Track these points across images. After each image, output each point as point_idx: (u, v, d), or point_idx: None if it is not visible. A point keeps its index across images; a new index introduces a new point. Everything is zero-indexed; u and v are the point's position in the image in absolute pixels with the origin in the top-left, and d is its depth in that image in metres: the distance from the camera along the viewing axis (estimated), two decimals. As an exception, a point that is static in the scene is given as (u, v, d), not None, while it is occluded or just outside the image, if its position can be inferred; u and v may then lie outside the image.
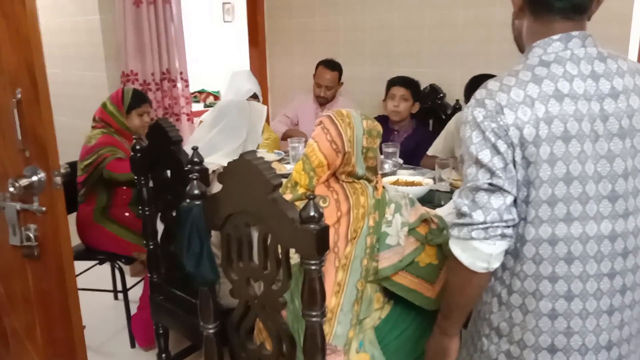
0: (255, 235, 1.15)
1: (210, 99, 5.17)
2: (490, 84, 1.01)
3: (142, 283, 2.48)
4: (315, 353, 1.11)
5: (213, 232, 1.23)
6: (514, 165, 0.98)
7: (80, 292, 1.28)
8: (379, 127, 1.42)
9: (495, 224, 0.97)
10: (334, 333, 1.32)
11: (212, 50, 5.25)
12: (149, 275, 1.88)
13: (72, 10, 3.08)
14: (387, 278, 1.36)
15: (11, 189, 1.15)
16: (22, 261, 1.27)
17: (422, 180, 2.05)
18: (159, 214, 1.78)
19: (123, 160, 2.22)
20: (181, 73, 3.21)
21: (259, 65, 3.76)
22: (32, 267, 1.28)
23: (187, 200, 1.20)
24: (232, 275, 1.21)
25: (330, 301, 1.31)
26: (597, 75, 0.98)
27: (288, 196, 1.34)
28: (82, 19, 3.03)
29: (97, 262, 2.45)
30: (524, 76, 0.99)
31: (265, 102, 3.66)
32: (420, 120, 2.88)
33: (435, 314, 1.35)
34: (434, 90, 2.91)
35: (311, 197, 1.02)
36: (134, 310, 2.34)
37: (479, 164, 0.98)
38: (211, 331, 1.29)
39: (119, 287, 2.51)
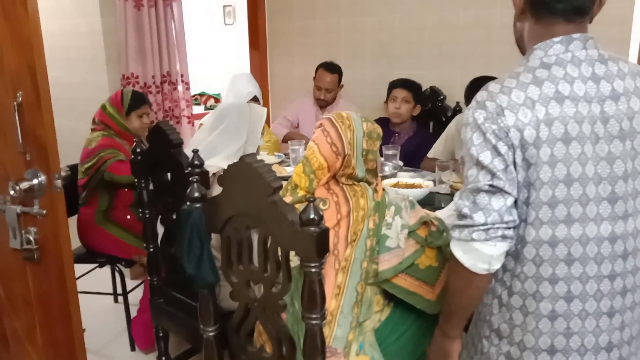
0: (255, 237, 1.15)
1: (211, 102, 5.17)
2: (491, 86, 1.02)
3: (142, 286, 2.48)
4: (315, 355, 1.10)
5: (213, 235, 1.23)
6: (515, 167, 0.98)
7: (80, 295, 1.28)
8: (379, 130, 1.42)
9: (496, 225, 0.97)
10: (334, 335, 1.31)
11: (213, 52, 5.27)
12: (149, 278, 1.88)
13: (73, 13, 3.08)
14: (387, 280, 1.36)
15: (12, 192, 1.16)
16: (22, 264, 1.27)
17: (422, 183, 2.05)
18: (159, 217, 1.78)
19: (124, 163, 2.22)
20: (182, 75, 3.21)
21: (259, 67, 3.77)
22: (32, 270, 1.28)
23: (188, 203, 1.20)
24: (232, 278, 1.21)
25: (330, 304, 1.31)
26: (598, 77, 0.98)
27: (288, 199, 1.34)
28: (83, 22, 3.04)
29: (97, 265, 2.45)
30: (524, 78, 0.99)
31: (265, 105, 3.66)
32: (420, 122, 2.89)
33: (435, 316, 1.35)
34: (434, 92, 2.92)
35: (311, 199, 1.02)
36: (134, 313, 2.34)
37: (479, 165, 0.98)
38: (211, 334, 1.29)
39: (119, 290, 2.51)
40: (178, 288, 1.78)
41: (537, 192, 0.98)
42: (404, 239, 1.35)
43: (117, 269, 2.37)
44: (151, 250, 1.82)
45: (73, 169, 2.36)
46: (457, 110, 2.83)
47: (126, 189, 2.34)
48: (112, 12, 2.89)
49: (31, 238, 1.21)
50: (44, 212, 1.17)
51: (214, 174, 1.67)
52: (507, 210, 0.97)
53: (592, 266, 0.99)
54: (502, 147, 0.97)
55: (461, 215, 1.00)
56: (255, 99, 2.77)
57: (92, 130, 2.36)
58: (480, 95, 1.02)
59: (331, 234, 1.29)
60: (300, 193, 1.34)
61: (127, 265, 2.40)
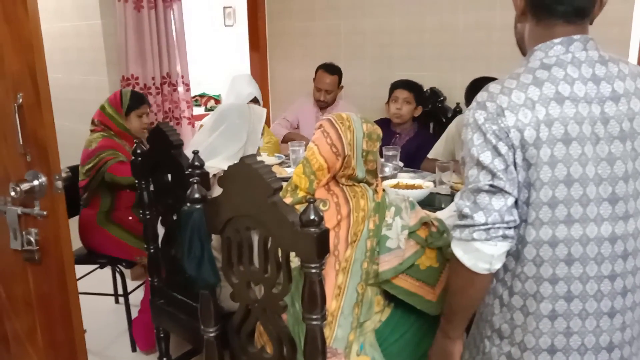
0: (255, 238, 1.15)
1: (211, 103, 5.18)
2: (492, 86, 1.02)
3: (142, 287, 2.48)
4: (315, 356, 1.11)
5: (214, 236, 1.23)
6: (515, 167, 0.98)
7: (81, 296, 1.29)
8: (378, 131, 1.43)
9: (497, 225, 0.97)
10: (335, 336, 1.31)
11: (213, 54, 5.27)
12: (149, 279, 1.88)
13: (73, 15, 3.09)
14: (387, 281, 1.36)
15: (12, 193, 1.16)
16: (23, 265, 1.27)
17: (423, 184, 2.05)
18: (160, 218, 1.78)
19: (125, 164, 2.22)
20: (182, 77, 3.21)
21: (259, 69, 3.77)
22: (33, 271, 1.28)
23: (188, 204, 1.20)
24: (233, 279, 1.21)
25: (331, 304, 1.31)
26: (598, 78, 0.98)
27: (288, 200, 1.34)
28: (83, 24, 3.04)
29: (98, 265, 2.45)
30: (525, 79, 0.99)
31: (266, 106, 3.66)
32: (421, 123, 2.89)
33: (435, 316, 1.35)
34: (434, 93, 2.92)
35: (311, 200, 1.02)
36: (134, 314, 2.34)
37: (480, 165, 0.99)
38: (212, 335, 1.29)
39: (120, 290, 2.51)
40: (179, 289, 1.78)
41: (537, 192, 0.98)
42: (404, 239, 1.35)
43: (118, 269, 2.37)
44: (152, 251, 1.82)
45: (73, 170, 2.36)
46: (458, 111, 2.83)
47: (128, 190, 2.34)
48: (112, 13, 2.90)
49: (32, 239, 1.21)
50: (45, 213, 1.17)
51: (214, 175, 1.67)
52: (507, 210, 0.98)
53: (592, 266, 0.99)
54: (503, 148, 0.97)
55: (462, 215, 1.01)
56: (255, 100, 2.77)
57: (92, 131, 2.36)
58: (481, 95, 1.02)
59: (331, 234, 1.29)
60: (301, 194, 1.35)
61: (127, 266, 2.40)
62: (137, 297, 2.45)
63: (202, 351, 1.33)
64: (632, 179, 0.99)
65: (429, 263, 1.39)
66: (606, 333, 1.02)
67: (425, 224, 1.40)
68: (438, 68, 2.94)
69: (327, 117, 1.41)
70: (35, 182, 1.15)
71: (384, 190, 1.43)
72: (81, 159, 2.32)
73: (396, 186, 2.02)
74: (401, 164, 2.38)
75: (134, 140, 1.80)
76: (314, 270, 1.04)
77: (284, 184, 1.29)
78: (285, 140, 3.06)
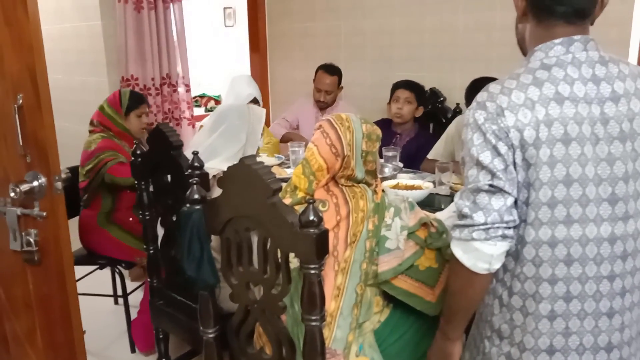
0: (255, 239, 1.15)
1: (212, 104, 5.18)
2: (492, 87, 1.02)
3: (142, 287, 2.48)
4: (315, 357, 1.10)
5: (213, 237, 1.24)
6: (515, 167, 0.99)
7: (80, 297, 1.29)
8: (378, 131, 1.43)
9: (496, 225, 0.97)
10: (334, 337, 1.31)
11: (213, 54, 5.28)
12: (149, 279, 1.88)
13: (73, 16, 3.09)
14: (387, 282, 1.36)
15: (12, 194, 1.16)
16: (22, 266, 1.27)
17: (422, 184, 2.05)
18: (159, 219, 1.78)
19: (124, 165, 2.21)
20: (183, 77, 3.22)
21: (260, 69, 3.77)
22: (32, 272, 1.28)
23: (187, 205, 1.20)
24: (232, 280, 1.21)
25: (330, 305, 1.31)
26: (598, 78, 0.98)
27: (287, 200, 1.34)
28: (84, 25, 3.05)
29: (97, 266, 2.45)
30: (525, 79, 0.99)
31: (266, 107, 3.66)
32: (421, 124, 2.89)
33: (435, 317, 1.35)
34: (434, 94, 2.92)
35: (311, 201, 1.02)
36: (134, 315, 2.34)
37: (479, 165, 0.99)
38: (211, 335, 1.29)
39: (119, 291, 2.51)
40: (178, 290, 1.78)
41: (537, 192, 0.98)
42: (404, 240, 1.35)
43: (118, 270, 2.37)
44: (151, 252, 1.82)
45: (73, 171, 2.36)
46: (457, 111, 2.84)
47: (128, 191, 2.34)
48: (112, 14, 2.90)
49: (31, 240, 1.21)
50: (44, 214, 1.17)
51: (214, 176, 1.67)
52: (507, 210, 0.98)
53: (591, 267, 0.99)
54: (502, 148, 0.97)
55: (461, 215, 1.01)
56: (255, 101, 2.77)
57: (91, 132, 2.36)
58: (481, 96, 1.02)
59: (330, 235, 1.29)
60: (300, 195, 1.35)
61: (127, 267, 2.40)
62: (136, 298, 2.45)
63: (201, 352, 1.33)
64: (632, 179, 0.99)
65: (428, 264, 1.39)
66: (605, 333, 1.02)
67: (424, 224, 1.41)
68: (438, 69, 2.94)
69: (327, 117, 1.41)
70: (35, 183, 1.16)
71: (383, 190, 1.43)
72: (81, 160, 2.32)
73: (396, 187, 2.02)
74: (401, 165, 2.38)
75: (134, 141, 1.80)
76: (313, 271, 1.04)
77: (284, 184, 1.29)
78: (284, 140, 3.06)
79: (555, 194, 0.97)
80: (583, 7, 1.00)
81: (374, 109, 3.06)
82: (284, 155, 2.73)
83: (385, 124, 2.77)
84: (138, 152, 1.73)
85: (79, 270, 1.78)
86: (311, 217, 1.01)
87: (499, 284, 1.08)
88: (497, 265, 1.01)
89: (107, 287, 2.70)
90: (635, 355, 1.07)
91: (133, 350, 2.35)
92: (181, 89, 3.23)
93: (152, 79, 3.05)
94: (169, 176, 1.70)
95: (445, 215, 1.58)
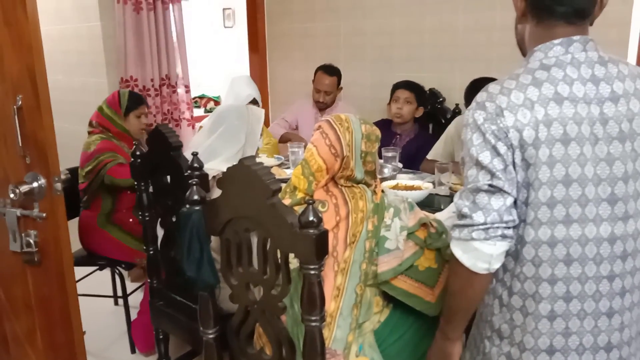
0: (254, 240, 1.15)
1: (211, 104, 5.19)
2: (491, 87, 1.02)
3: (142, 288, 2.48)
4: (314, 357, 1.10)
5: (213, 237, 1.24)
6: (514, 167, 0.99)
7: (80, 298, 1.29)
8: (377, 132, 1.43)
9: (496, 225, 0.97)
10: (334, 337, 1.31)
11: (212, 55, 5.28)
12: (148, 280, 1.88)
13: (73, 17, 3.09)
14: (386, 282, 1.36)
15: (12, 195, 1.16)
16: (22, 267, 1.28)
17: (422, 185, 2.05)
18: (159, 219, 1.78)
19: (124, 166, 2.21)
20: (182, 78, 3.22)
21: (259, 70, 3.77)
22: (32, 273, 1.28)
23: (187, 206, 1.20)
24: (232, 280, 1.21)
25: (330, 305, 1.31)
26: (598, 79, 0.98)
27: (287, 201, 1.34)
28: (83, 26, 3.05)
29: (97, 267, 2.44)
30: (524, 79, 0.99)
31: (265, 108, 3.67)
32: (420, 124, 2.89)
33: (435, 317, 1.35)
34: (433, 94, 2.92)
35: (310, 201, 1.02)
36: (134, 315, 2.34)
37: (479, 165, 0.99)
38: (211, 336, 1.29)
39: (119, 292, 2.51)
40: (178, 290, 1.78)
41: (536, 192, 0.98)
42: (403, 240, 1.35)
43: (117, 271, 2.37)
44: (151, 252, 1.82)
45: (73, 172, 2.36)
46: (457, 112, 2.84)
47: (128, 192, 2.34)
48: (111, 15, 2.90)
49: (31, 241, 1.21)
50: (44, 215, 1.17)
51: (213, 177, 1.67)
52: (506, 210, 0.98)
53: (591, 267, 0.99)
54: (502, 148, 0.98)
55: (461, 215, 1.01)
56: (254, 102, 2.78)
57: (90, 133, 2.35)
58: (480, 96, 1.02)
59: (330, 235, 1.29)
60: (299, 195, 1.35)
61: (127, 267, 2.40)
62: (136, 299, 2.45)
63: (201, 352, 1.33)
64: (632, 179, 0.99)
65: (428, 264, 1.39)
66: (604, 333, 1.02)
67: (424, 225, 1.41)
68: (438, 69, 2.94)
69: (326, 118, 1.41)
70: (35, 184, 1.16)
71: (382, 191, 1.43)
72: (80, 162, 2.32)
73: (395, 187, 2.02)
74: (400, 165, 2.39)
75: (133, 142, 1.80)
76: (312, 272, 1.04)
77: (283, 185, 1.29)
78: (282, 140, 3.06)
79: (555, 194, 0.97)
80: (583, 8, 1.00)
81: (374, 109, 3.06)
82: (284, 156, 2.73)
83: (385, 125, 2.77)
84: (137, 153, 1.73)
85: (79, 271, 1.78)
86: (311, 218, 1.01)
87: (498, 284, 1.08)
88: (496, 265, 1.01)
89: (107, 287, 2.70)
90: (635, 355, 1.07)
91: (133, 351, 2.35)
92: (180, 90, 3.23)
93: (152, 80, 3.05)
94: (168, 177, 1.70)
95: (445, 216, 1.59)
